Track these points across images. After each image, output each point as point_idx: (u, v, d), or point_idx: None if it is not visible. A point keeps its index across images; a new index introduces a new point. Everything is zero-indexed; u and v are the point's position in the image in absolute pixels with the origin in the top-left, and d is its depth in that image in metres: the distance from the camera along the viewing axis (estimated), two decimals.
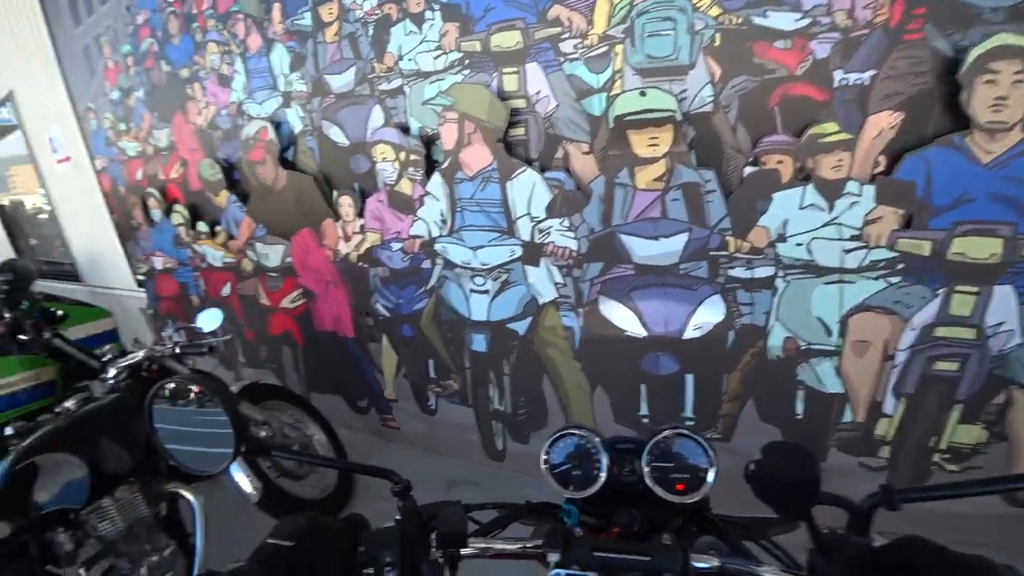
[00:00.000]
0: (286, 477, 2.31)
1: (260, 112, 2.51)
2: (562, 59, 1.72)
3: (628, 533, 0.65)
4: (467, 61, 1.88)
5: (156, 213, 3.34)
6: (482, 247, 2.02)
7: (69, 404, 1.82)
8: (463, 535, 0.65)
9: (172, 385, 0.73)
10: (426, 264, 2.19)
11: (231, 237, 2.95)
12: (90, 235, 4.37)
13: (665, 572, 0.56)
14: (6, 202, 6.00)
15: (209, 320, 2.16)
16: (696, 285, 1.74)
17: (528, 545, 0.67)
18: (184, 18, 2.68)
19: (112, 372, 1.96)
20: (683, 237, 1.72)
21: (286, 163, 2.46)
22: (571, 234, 1.85)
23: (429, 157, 2.04)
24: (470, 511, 0.70)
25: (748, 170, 1.61)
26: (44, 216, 5.20)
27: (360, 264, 2.41)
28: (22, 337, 2.69)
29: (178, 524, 1.85)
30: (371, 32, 2.06)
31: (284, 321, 2.95)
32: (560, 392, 2.10)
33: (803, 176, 1.58)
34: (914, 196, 1.51)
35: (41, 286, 5.04)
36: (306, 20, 2.22)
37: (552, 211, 1.86)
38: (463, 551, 0.66)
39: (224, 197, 2.84)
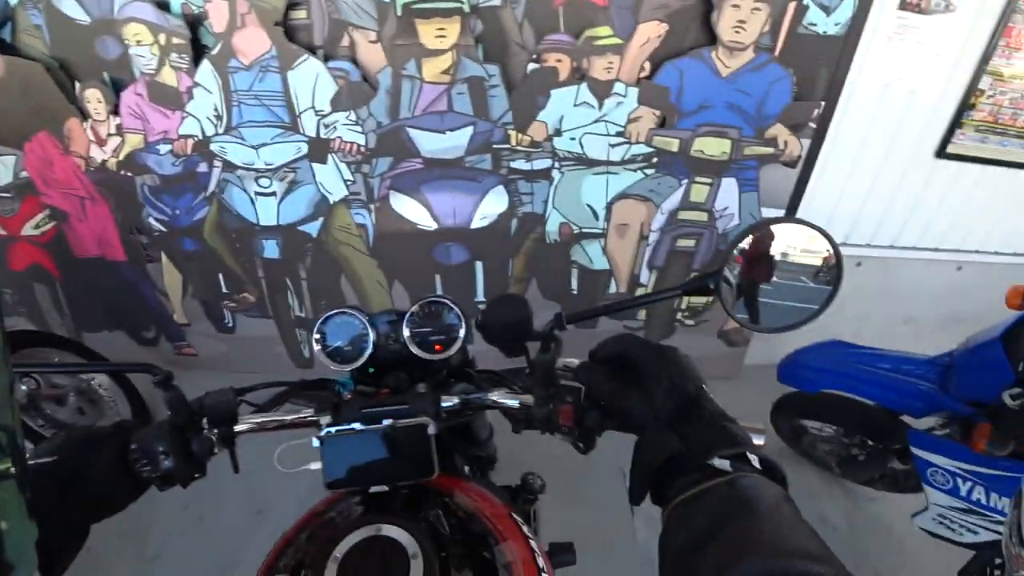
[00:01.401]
0: (69, 427, 2.03)
1: None
2: None
3: (394, 392, 0.72)
4: None
5: None
6: (265, 145, 1.90)
7: None
8: (233, 413, 0.68)
9: None
10: (202, 167, 1.99)
11: None
12: None
13: (420, 413, 0.65)
14: None
15: None
16: (481, 177, 1.86)
17: (301, 415, 0.71)
18: None
19: None
20: (468, 130, 1.80)
21: (3, 47, 2.00)
22: (358, 128, 1.83)
23: (196, 41, 1.81)
24: (242, 394, 0.72)
25: (531, 66, 1.73)
26: None
27: (122, 172, 2.09)
28: None
29: None
30: None
31: (31, 252, 2.47)
32: (359, 290, 2.13)
33: (579, 76, 1.75)
34: (668, 100, 1.78)
35: None
36: None
37: (337, 104, 1.80)
38: (237, 428, 0.69)
39: None
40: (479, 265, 1.99)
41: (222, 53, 1.80)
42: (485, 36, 1.71)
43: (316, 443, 0.64)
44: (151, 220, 2.17)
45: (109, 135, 2.03)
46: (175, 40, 1.81)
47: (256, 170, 1.94)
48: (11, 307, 2.76)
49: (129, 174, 2.09)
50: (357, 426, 0.64)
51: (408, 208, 1.91)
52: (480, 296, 2.05)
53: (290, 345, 2.34)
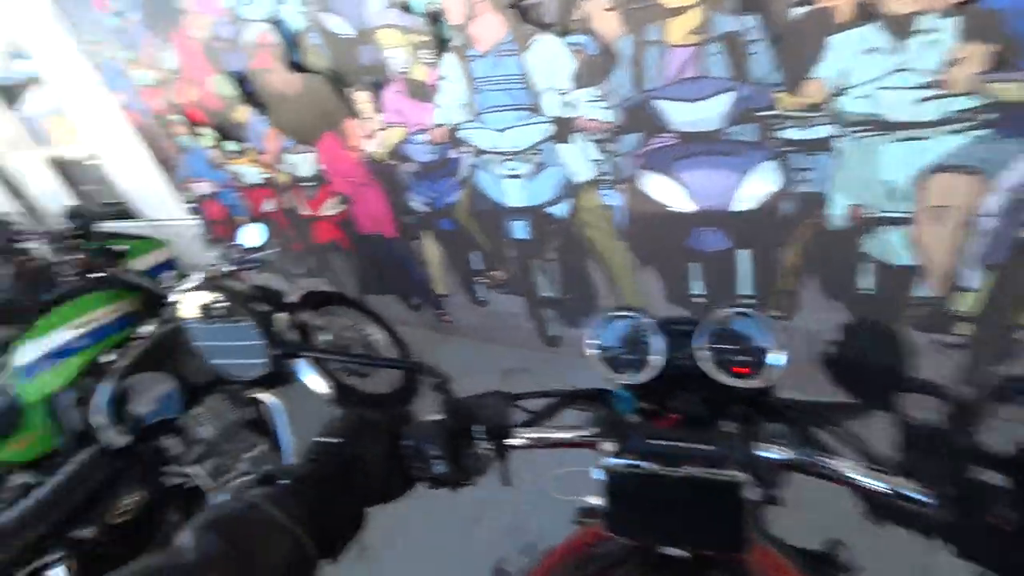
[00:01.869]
0: (356, 376, 2.46)
1: (256, 14, 2.35)
2: None
3: (686, 421, 0.62)
4: None
5: (184, 139, 3.33)
6: (509, 128, 1.90)
7: (148, 329, 1.98)
8: (508, 427, 0.64)
9: (214, 308, 0.73)
10: (454, 154, 2.10)
11: (260, 152, 2.92)
12: (132, 172, 4.46)
13: (728, 462, 0.52)
14: (55, 154, 6.14)
15: (251, 236, 2.21)
16: (745, 151, 1.57)
17: (581, 433, 0.64)
18: None
19: (175, 297, 2.09)
20: (727, 97, 1.52)
21: (296, 66, 2.34)
22: (602, 104, 1.69)
23: (438, 36, 1.86)
24: (516, 400, 0.68)
25: (798, 11, 1.37)
26: (90, 161, 5.32)
27: (389, 162, 2.34)
28: (97, 275, 2.87)
29: (264, 423, 2.05)
30: None
31: (328, 229, 2.98)
32: (607, 273, 2.06)
33: (866, 13, 1.33)
34: (1007, 29, 1.23)
35: (104, 227, 5.30)
36: None
37: (578, 81, 1.69)
38: (512, 442, 0.65)
39: (244, 112, 2.77)
40: (742, 254, 1.74)
41: (461, 44, 1.82)
42: None
43: (599, 475, 0.56)
44: (414, 203, 2.40)
45: (376, 131, 2.26)
46: (420, 38, 1.89)
47: (502, 153, 1.97)
48: (316, 271, 3.40)
49: (394, 163, 2.32)
50: (649, 465, 0.54)
51: (660, 188, 1.74)
52: (743, 290, 1.82)
53: (537, 322, 2.43)
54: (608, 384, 0.69)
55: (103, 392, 1.70)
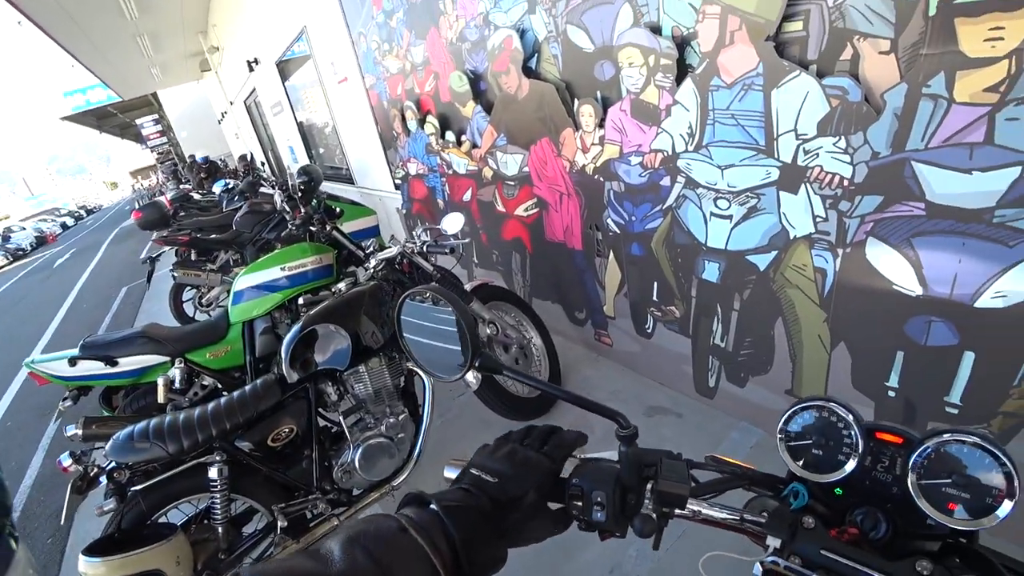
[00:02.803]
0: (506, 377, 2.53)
1: (505, 21, 2.52)
2: None
3: (867, 540, 0.54)
4: None
5: (412, 124, 3.70)
6: (732, 166, 1.81)
7: (341, 286, 2.23)
8: (684, 498, 0.60)
9: (422, 294, 0.77)
10: (665, 181, 2.05)
11: (474, 146, 3.14)
12: (360, 144, 5.07)
13: None
14: (304, 119, 7.25)
15: (452, 223, 2.38)
16: (1014, 240, 1.31)
17: (748, 518, 0.60)
18: None
19: (372, 263, 2.32)
20: (1012, 172, 1.29)
21: (529, 72, 2.47)
22: (846, 157, 1.52)
23: (681, 61, 1.84)
24: (691, 468, 0.65)
25: None
26: (327, 129, 6.17)
27: (596, 177, 2.37)
28: (312, 228, 3.31)
29: (412, 396, 2.20)
30: None
31: (517, 228, 3.11)
32: (793, 340, 1.87)
33: None
34: None
35: (325, 187, 6.11)
36: None
37: (826, 128, 1.54)
38: (679, 512, 0.62)
39: (471, 108, 3.00)
40: (968, 356, 1.46)
41: (706, 71, 1.76)
42: None
43: (757, 571, 0.54)
44: (609, 221, 2.41)
45: (592, 144, 2.30)
46: (663, 61, 1.87)
47: (717, 190, 1.88)
48: (493, 265, 3.56)
49: (601, 179, 2.34)
50: None
51: (888, 262, 1.52)
52: (954, 397, 1.52)
53: (699, 369, 2.29)
54: (780, 470, 0.64)
55: (293, 332, 1.94)
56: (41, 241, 26.93)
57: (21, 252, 23.80)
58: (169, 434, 1.68)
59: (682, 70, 1.84)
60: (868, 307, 1.61)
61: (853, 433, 0.58)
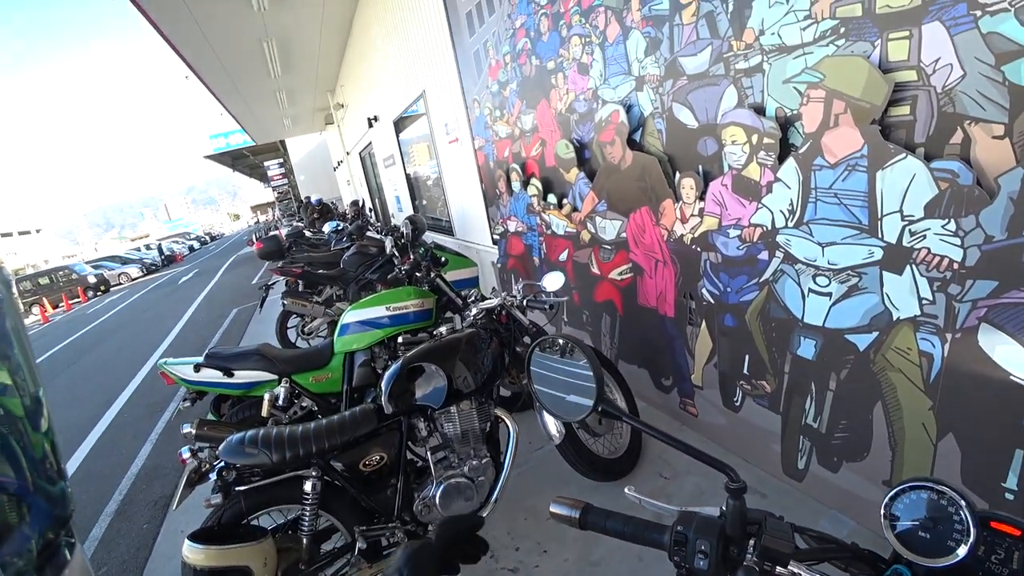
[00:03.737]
0: (585, 431, 2.55)
1: (613, 96, 2.70)
2: (979, 13, 1.33)
3: None
4: (842, 29, 1.63)
5: (516, 185, 3.94)
6: (833, 244, 1.81)
7: (442, 330, 2.38)
8: (788, 556, 0.62)
9: (552, 343, 0.87)
10: (763, 255, 2.07)
11: (575, 209, 3.29)
12: (463, 199, 5.42)
13: None
14: (412, 172, 7.87)
15: (553, 281, 2.51)
16: None
17: None
18: (553, 17, 3.03)
19: (472, 311, 2.47)
20: None
21: (633, 144, 2.61)
22: (956, 240, 1.49)
23: (784, 140, 1.89)
24: (795, 531, 0.66)
25: None
26: (432, 183, 6.65)
27: (693, 247, 2.42)
28: (417, 274, 3.56)
29: (496, 442, 2.28)
30: (731, 8, 1.97)
31: (609, 290, 3.19)
32: (893, 427, 1.77)
33: None
34: None
35: (429, 236, 6.53)
36: (664, 4, 2.26)
37: (934, 210, 1.53)
38: (780, 569, 0.63)
39: (574, 174, 3.18)
40: None
41: (809, 151, 1.80)
42: None
43: None
44: (704, 291, 2.43)
45: (691, 215, 2.37)
46: (766, 140, 1.93)
47: (816, 267, 1.88)
48: (583, 325, 3.63)
49: (698, 249, 2.39)
50: None
51: (1004, 350, 1.44)
52: None
53: (787, 448, 2.20)
54: (884, 549, 0.64)
55: (396, 366, 2.09)
56: (170, 260, 30.41)
57: (154, 267, 26.95)
58: (275, 444, 1.85)
59: (785, 149, 1.89)
60: (981, 398, 1.52)
61: (964, 517, 0.56)
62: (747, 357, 2.29)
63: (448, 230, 6.27)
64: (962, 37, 1.38)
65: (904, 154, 1.55)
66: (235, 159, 26.93)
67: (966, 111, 1.41)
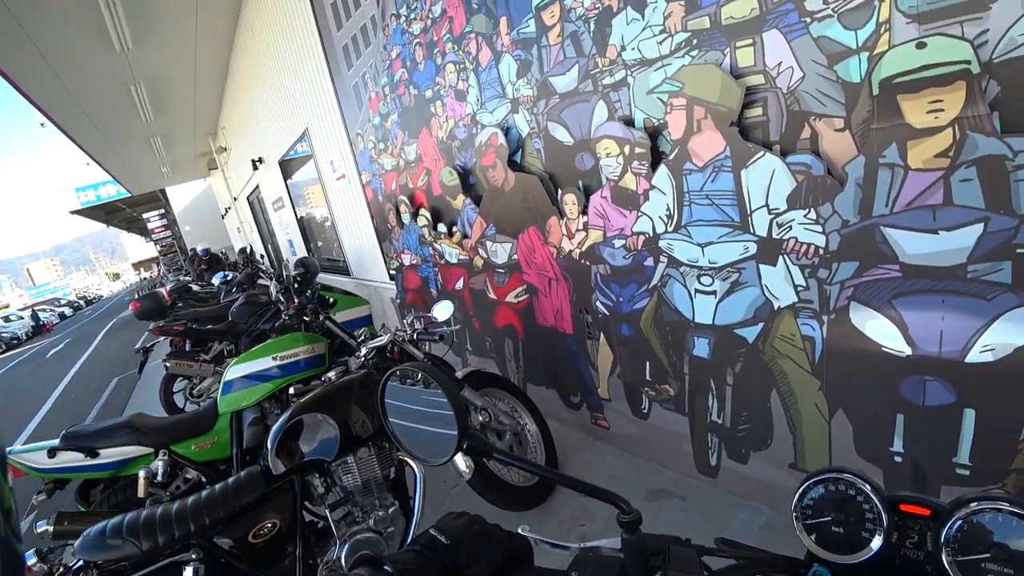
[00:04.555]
0: (497, 460, 2.45)
1: (491, 120, 2.70)
2: (808, 20, 1.46)
3: None
4: (695, 40, 1.73)
5: (406, 217, 3.84)
6: (711, 243, 1.87)
7: (331, 375, 2.20)
8: None
9: (406, 373, 0.77)
10: (649, 262, 2.11)
11: (465, 236, 3.24)
12: (356, 237, 5.22)
13: None
14: (303, 214, 7.54)
15: (442, 311, 2.41)
16: (992, 293, 1.34)
17: None
18: (427, 46, 3.01)
19: (363, 351, 2.31)
20: (976, 229, 1.34)
21: (514, 165, 2.61)
22: (818, 228, 1.59)
23: (655, 149, 1.95)
24: (702, 555, 0.61)
25: None
26: (326, 223, 6.38)
27: (582, 261, 2.43)
28: (305, 318, 3.33)
29: (403, 487, 2.11)
30: (592, 27, 2.04)
31: (508, 314, 3.14)
32: (790, 411, 1.84)
33: None
34: None
35: (323, 278, 6.21)
36: (530, 28, 2.30)
37: (795, 202, 1.62)
38: None
39: (460, 200, 3.13)
40: (969, 413, 1.44)
41: (678, 157, 1.87)
42: (1005, 99, 1.25)
43: None
44: (598, 303, 2.44)
45: (577, 230, 2.38)
46: (637, 150, 1.99)
47: (699, 268, 1.93)
48: (487, 352, 3.55)
49: (587, 263, 2.40)
50: None
51: (873, 325, 1.54)
52: (963, 458, 1.48)
53: (698, 448, 2.23)
54: (799, 551, 0.60)
55: (280, 421, 1.89)
56: (38, 331, 26.89)
57: (16, 341, 23.65)
58: (144, 530, 1.58)
59: (656, 157, 1.95)
60: (861, 372, 1.61)
61: (875, 506, 0.53)
62: (648, 364, 2.30)
63: (345, 270, 6.01)
64: (797, 42, 1.51)
65: (762, 152, 1.64)
66: (109, 213, 24.48)
67: (810, 108, 1.53)
